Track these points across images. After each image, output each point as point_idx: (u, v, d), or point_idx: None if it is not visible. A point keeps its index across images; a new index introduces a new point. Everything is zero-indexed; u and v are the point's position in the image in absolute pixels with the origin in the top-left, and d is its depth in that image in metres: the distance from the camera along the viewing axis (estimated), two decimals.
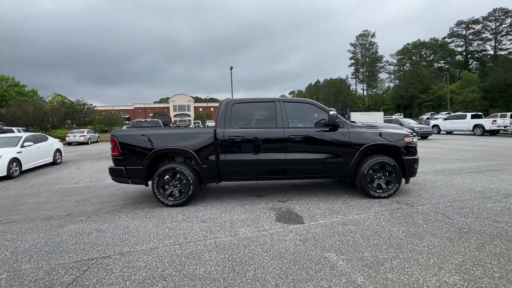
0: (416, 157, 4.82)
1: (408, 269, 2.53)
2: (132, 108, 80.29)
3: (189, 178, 4.59)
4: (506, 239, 3.06)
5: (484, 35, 63.91)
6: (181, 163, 4.75)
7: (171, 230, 3.65)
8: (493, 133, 19.43)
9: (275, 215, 4.12)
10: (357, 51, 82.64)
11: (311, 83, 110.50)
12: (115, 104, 75.48)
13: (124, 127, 31.01)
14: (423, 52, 72.91)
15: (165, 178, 4.63)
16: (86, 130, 23.91)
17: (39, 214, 4.55)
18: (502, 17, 60.55)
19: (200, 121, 51.06)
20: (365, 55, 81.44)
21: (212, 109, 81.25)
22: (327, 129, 4.72)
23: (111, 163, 4.87)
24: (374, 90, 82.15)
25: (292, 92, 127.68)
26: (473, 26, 64.45)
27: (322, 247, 3.02)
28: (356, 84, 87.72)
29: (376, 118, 21.27)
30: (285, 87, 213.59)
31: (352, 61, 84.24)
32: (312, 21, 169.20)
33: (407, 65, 75.22)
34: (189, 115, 77.32)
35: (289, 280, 2.41)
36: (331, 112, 4.51)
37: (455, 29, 67.07)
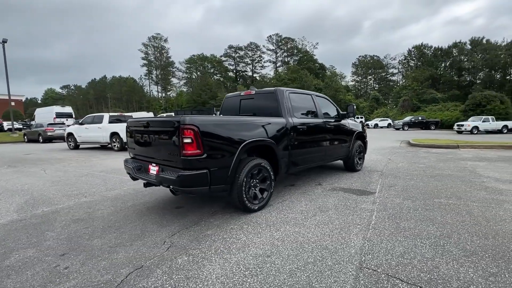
0: (367, 140, 7.03)
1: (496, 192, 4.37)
2: None
3: (271, 174, 3.90)
4: (458, 177, 5.78)
5: (246, 60, 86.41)
6: (261, 158, 3.86)
7: (332, 228, 3.25)
8: None
9: (347, 193, 4.62)
10: (150, 52, 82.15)
11: (95, 78, 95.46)
12: None
13: None
14: (206, 64, 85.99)
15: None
16: None
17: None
18: (254, 49, 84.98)
19: None
20: (159, 58, 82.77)
21: None
22: (334, 120, 5.75)
23: None
24: (169, 93, 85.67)
25: (66, 87, 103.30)
26: (239, 52, 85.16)
27: (429, 197, 4.20)
28: (149, 85, 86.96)
29: None
30: (49, 78, 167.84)
31: (145, 61, 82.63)
32: (85, 10, 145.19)
33: (195, 73, 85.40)
34: None
35: (484, 213, 3.45)
36: (354, 106, 5.62)
37: (228, 51, 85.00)
